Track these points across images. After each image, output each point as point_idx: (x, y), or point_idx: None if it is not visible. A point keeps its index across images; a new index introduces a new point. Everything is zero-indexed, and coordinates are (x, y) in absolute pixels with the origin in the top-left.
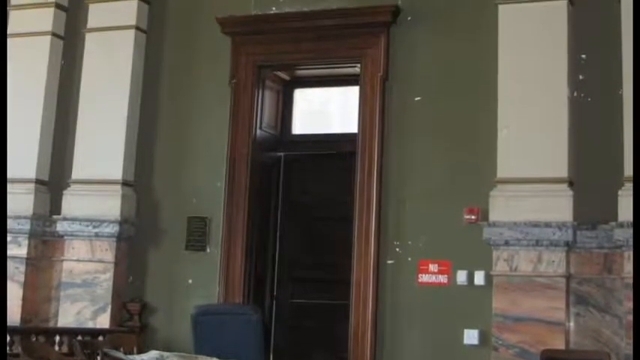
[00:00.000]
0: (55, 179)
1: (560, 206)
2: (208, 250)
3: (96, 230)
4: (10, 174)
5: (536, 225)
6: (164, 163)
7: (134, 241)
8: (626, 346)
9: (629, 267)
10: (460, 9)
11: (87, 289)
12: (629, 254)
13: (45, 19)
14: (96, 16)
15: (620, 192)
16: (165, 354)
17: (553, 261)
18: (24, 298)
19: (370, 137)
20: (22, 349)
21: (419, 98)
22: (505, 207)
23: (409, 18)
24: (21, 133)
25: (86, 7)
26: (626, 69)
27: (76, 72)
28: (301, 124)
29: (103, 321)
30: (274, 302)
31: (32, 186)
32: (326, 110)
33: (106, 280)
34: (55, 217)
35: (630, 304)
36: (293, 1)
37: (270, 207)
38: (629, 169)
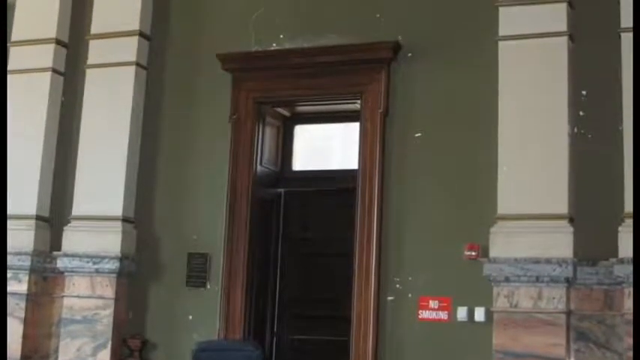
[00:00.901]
0: (55, 215)
1: (560, 242)
2: (209, 286)
3: (96, 266)
4: (10, 210)
5: (536, 261)
6: (164, 199)
7: (134, 277)
8: None
9: (629, 303)
10: (460, 45)
11: (87, 325)
12: (629, 291)
13: (45, 55)
14: (96, 52)
15: (620, 228)
16: None
17: (553, 297)
18: (24, 335)
19: (370, 173)
20: None
21: (419, 134)
22: (505, 243)
23: (409, 54)
24: (21, 168)
25: (87, 43)
26: (627, 105)
27: (76, 108)
28: (301, 161)
29: (104, 357)
30: (275, 338)
31: (33, 222)
32: (326, 146)
33: (106, 316)
34: (55, 253)
35: (630, 341)
36: (293, 37)
37: (270, 243)
38: (629, 206)
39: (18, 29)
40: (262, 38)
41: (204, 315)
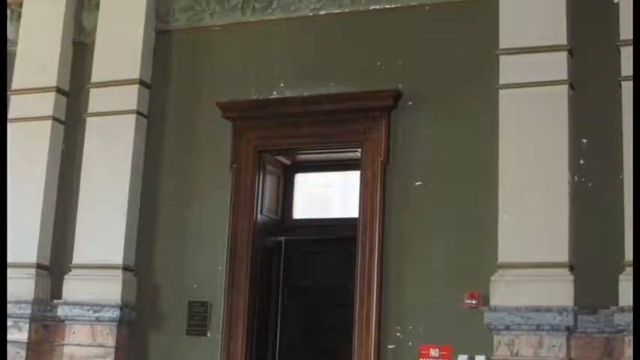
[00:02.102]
0: (56, 264)
1: (561, 291)
2: (209, 334)
3: (97, 315)
4: (10, 258)
5: (537, 310)
6: (165, 248)
7: (135, 325)
8: None
9: (629, 352)
10: (461, 93)
11: None
12: (629, 339)
13: (46, 103)
14: (97, 100)
15: (620, 276)
16: None
17: (554, 345)
18: None
19: (371, 222)
20: None
21: (419, 183)
22: (506, 291)
23: (410, 102)
24: (22, 216)
25: (87, 91)
26: (627, 154)
27: (77, 156)
28: (302, 209)
29: None
30: None
31: (33, 270)
32: (327, 195)
33: None
34: (55, 301)
35: None
36: (293, 85)
37: (270, 291)
38: (629, 254)
39: (19, 77)
40: (263, 86)
41: None
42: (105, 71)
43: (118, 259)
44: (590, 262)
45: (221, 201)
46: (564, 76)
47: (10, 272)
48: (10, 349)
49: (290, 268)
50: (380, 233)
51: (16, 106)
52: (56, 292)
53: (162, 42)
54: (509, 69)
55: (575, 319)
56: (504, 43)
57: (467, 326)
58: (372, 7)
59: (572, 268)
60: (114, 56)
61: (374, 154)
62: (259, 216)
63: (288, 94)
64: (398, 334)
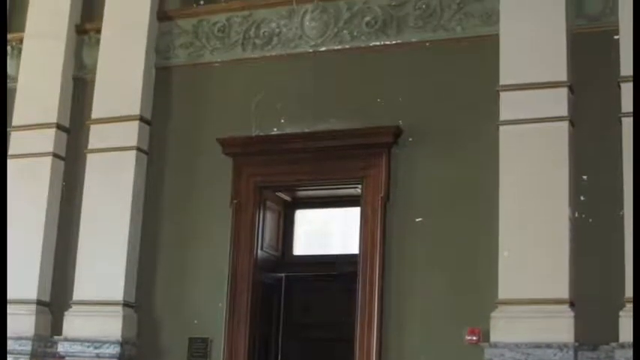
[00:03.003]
0: (56, 300)
1: (561, 327)
2: None
3: (97, 351)
4: (11, 295)
5: (537, 346)
6: (165, 284)
7: None
8: None
9: None
10: (461, 129)
11: None
12: None
13: (46, 139)
14: (97, 137)
15: (621, 313)
16: None
17: None
18: None
19: (371, 258)
20: None
21: (420, 219)
22: (506, 328)
23: (410, 139)
24: (22, 253)
25: (87, 127)
26: (627, 190)
27: (77, 192)
28: (302, 245)
29: None
30: None
31: (33, 307)
32: (327, 231)
33: None
34: (56, 337)
35: None
36: (294, 121)
37: (271, 327)
38: (629, 290)
39: (19, 114)
40: (263, 123)
41: None
42: (105, 107)
43: (119, 295)
44: (591, 298)
45: (221, 237)
46: (564, 112)
47: (10, 308)
48: None
49: (290, 304)
50: (380, 269)
51: (16, 142)
52: (56, 328)
53: (163, 78)
54: (510, 105)
55: (576, 356)
56: (505, 79)
57: None
58: (372, 44)
59: (572, 305)
60: (114, 92)
61: (374, 191)
62: (260, 252)
63: (289, 130)
64: None
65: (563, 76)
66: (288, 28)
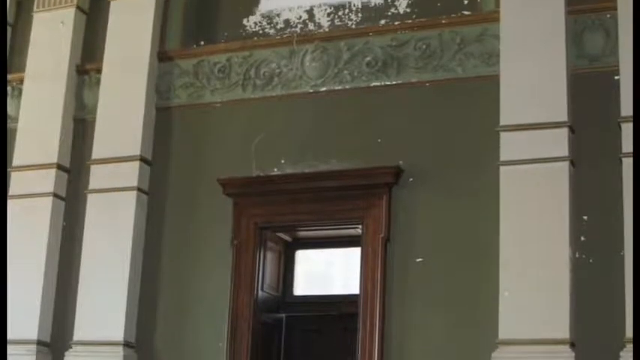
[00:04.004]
0: (56, 340)
1: None
2: None
3: None
4: (11, 335)
5: None
6: (165, 324)
7: None
8: None
9: None
10: (462, 169)
11: None
12: None
13: (46, 180)
14: (98, 177)
15: (621, 353)
16: None
17: None
18: None
19: (372, 298)
20: None
21: (420, 259)
22: None
23: (411, 179)
24: (22, 293)
25: (88, 168)
26: (627, 231)
27: (77, 233)
28: (303, 285)
29: None
30: None
31: (34, 347)
32: (328, 271)
33: None
34: None
35: None
36: (294, 162)
37: None
38: (630, 331)
39: (19, 154)
40: (263, 163)
41: None
42: (106, 148)
43: (119, 335)
44: (591, 338)
45: (222, 277)
46: (565, 152)
47: (10, 349)
48: None
49: (291, 345)
50: (381, 310)
51: (16, 182)
52: None
53: (163, 118)
54: (510, 145)
55: None
56: (505, 119)
57: None
58: (372, 84)
59: (572, 345)
60: (115, 133)
61: (375, 231)
62: (260, 292)
63: (289, 170)
64: None
65: (563, 116)
66: (289, 68)
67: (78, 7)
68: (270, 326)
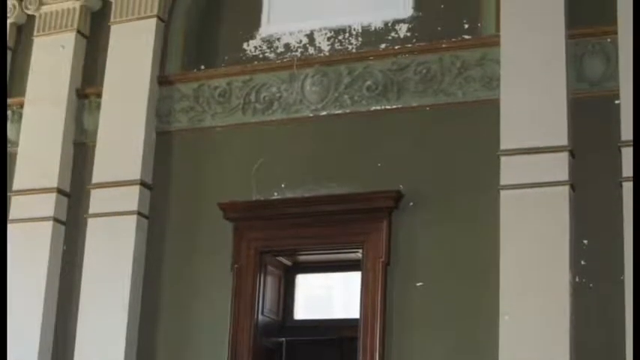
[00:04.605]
0: None
1: None
2: None
3: None
4: None
5: None
6: (166, 349)
7: None
8: None
9: None
10: (462, 193)
11: None
12: None
13: (46, 204)
14: (98, 201)
15: None
16: None
17: None
18: None
19: (372, 323)
20: None
21: (420, 284)
22: None
23: (411, 203)
24: (22, 318)
25: (88, 192)
26: (628, 255)
27: (77, 257)
28: (303, 310)
29: None
30: None
31: None
32: (328, 295)
33: None
34: None
35: None
36: (294, 186)
37: None
38: (630, 356)
39: (19, 178)
40: (264, 187)
41: None
42: (106, 172)
43: None
44: None
45: (222, 301)
46: (565, 177)
47: None
48: None
49: None
50: (381, 334)
51: (16, 207)
52: None
53: (164, 143)
54: (510, 170)
55: None
56: (505, 143)
57: None
58: (373, 108)
59: None
60: (115, 157)
61: (375, 255)
62: (260, 317)
63: (289, 195)
64: None
65: (563, 140)
66: (289, 92)
67: (78, 31)
68: (271, 350)
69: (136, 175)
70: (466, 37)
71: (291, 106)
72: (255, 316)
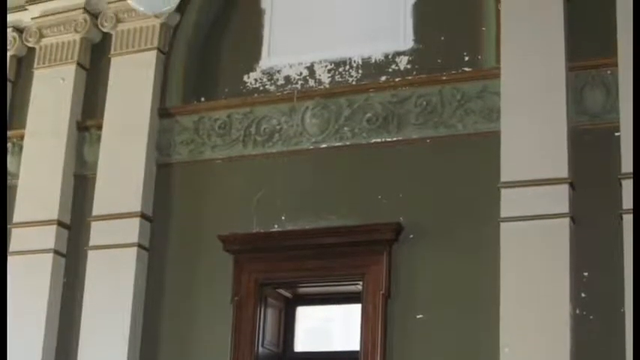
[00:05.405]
0: None
1: None
2: None
3: None
4: None
5: None
6: None
7: None
8: None
9: None
10: (462, 226)
11: None
12: None
13: (47, 236)
14: (98, 233)
15: None
16: None
17: None
18: None
19: (372, 355)
20: None
21: (421, 316)
22: None
23: (411, 235)
24: (23, 351)
25: (88, 224)
26: (628, 287)
27: (78, 289)
28: (303, 342)
29: None
30: None
31: None
32: (328, 328)
33: None
34: None
35: None
36: (295, 218)
37: None
38: None
39: (19, 211)
40: (264, 219)
41: None
42: (106, 204)
43: None
44: None
45: (222, 334)
46: (565, 209)
47: None
48: None
49: None
50: None
51: (16, 239)
52: None
53: (164, 175)
54: (511, 202)
55: None
56: (505, 176)
57: None
58: (373, 140)
59: None
60: (115, 189)
61: (375, 288)
62: (260, 349)
63: (290, 227)
64: None
65: (564, 172)
66: (289, 124)
67: (78, 64)
68: None
69: (137, 207)
70: (466, 69)
71: (292, 139)
72: (256, 349)
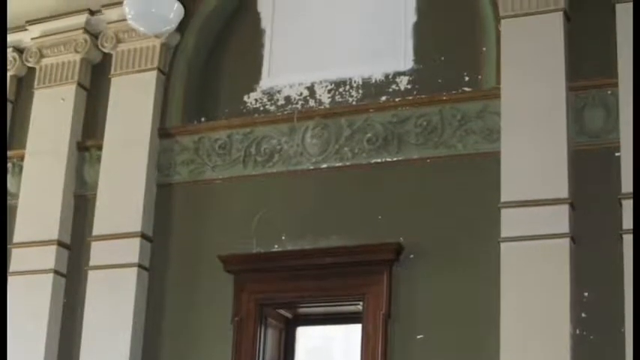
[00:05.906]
0: None
1: None
2: None
3: None
4: None
5: None
6: None
7: None
8: None
9: None
10: (462, 246)
11: None
12: None
13: (47, 256)
14: (98, 253)
15: None
16: None
17: None
18: None
19: None
20: None
21: (421, 336)
22: None
23: (411, 255)
24: None
25: (88, 244)
26: (628, 307)
27: (78, 309)
28: None
29: None
30: None
31: None
32: (328, 348)
33: None
34: None
35: None
36: (295, 239)
37: None
38: None
39: (20, 231)
40: (264, 240)
41: None
42: (106, 224)
43: None
44: None
45: (222, 354)
46: (566, 229)
47: None
48: None
49: None
50: None
51: (17, 259)
52: None
53: (164, 195)
54: (511, 222)
55: None
56: (506, 196)
57: None
58: (373, 161)
59: None
60: (115, 209)
61: (375, 308)
62: None
63: (290, 247)
64: None
65: (564, 193)
66: (290, 145)
67: (79, 84)
68: None
69: (137, 227)
70: (466, 89)
71: (292, 159)
72: None
